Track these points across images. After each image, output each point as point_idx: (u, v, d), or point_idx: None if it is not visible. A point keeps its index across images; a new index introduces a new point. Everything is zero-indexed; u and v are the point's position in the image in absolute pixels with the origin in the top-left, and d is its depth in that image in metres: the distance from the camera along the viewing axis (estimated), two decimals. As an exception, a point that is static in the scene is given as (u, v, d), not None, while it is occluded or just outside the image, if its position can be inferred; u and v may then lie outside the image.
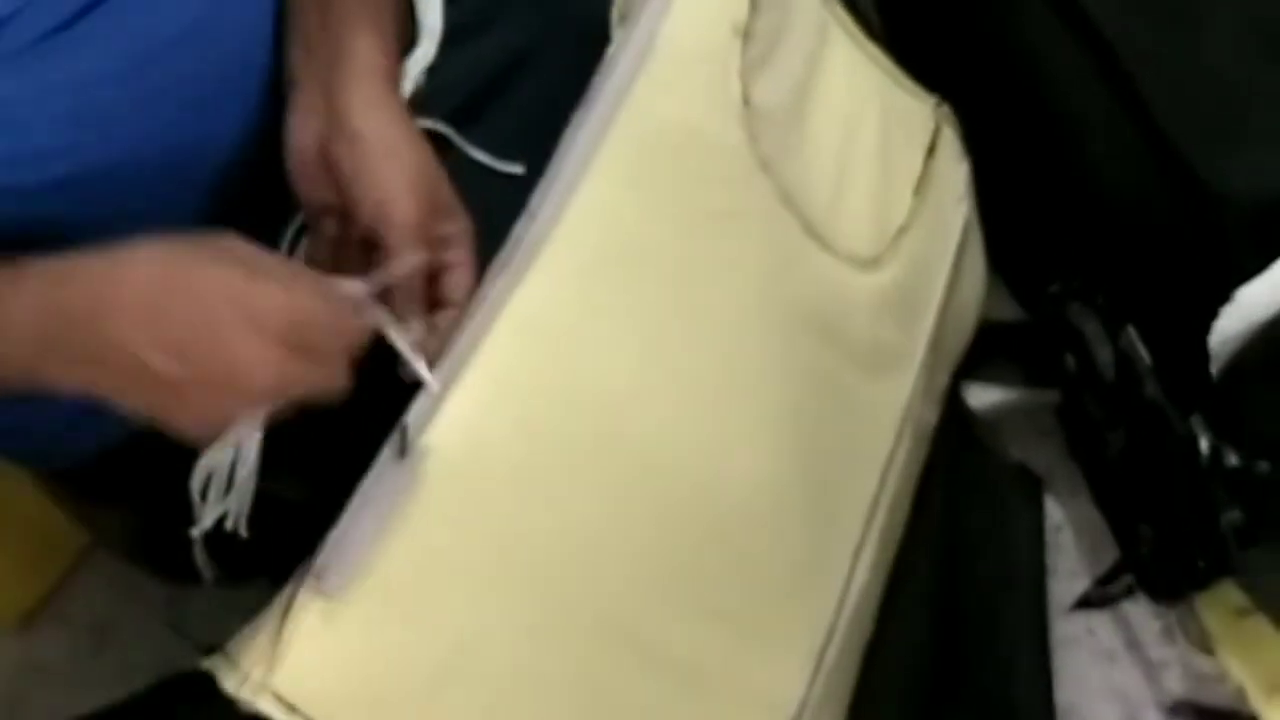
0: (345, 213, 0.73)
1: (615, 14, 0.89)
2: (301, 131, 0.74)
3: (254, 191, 0.81)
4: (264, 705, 0.66)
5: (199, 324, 0.63)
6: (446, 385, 0.71)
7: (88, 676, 1.18)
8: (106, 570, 1.21)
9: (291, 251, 0.84)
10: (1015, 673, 1.07)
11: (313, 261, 0.78)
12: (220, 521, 0.77)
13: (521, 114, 0.91)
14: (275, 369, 0.64)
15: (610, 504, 0.77)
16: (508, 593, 0.73)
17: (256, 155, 0.79)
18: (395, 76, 0.77)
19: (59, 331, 0.63)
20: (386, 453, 0.69)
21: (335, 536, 0.68)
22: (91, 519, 1.09)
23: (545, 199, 0.77)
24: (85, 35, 0.67)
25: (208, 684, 0.67)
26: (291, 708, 0.66)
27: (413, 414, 0.70)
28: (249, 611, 0.70)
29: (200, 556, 0.78)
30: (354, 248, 0.75)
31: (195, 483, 0.79)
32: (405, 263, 0.71)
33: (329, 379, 0.68)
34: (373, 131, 0.73)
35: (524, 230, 0.76)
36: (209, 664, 0.67)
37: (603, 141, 0.79)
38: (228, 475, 0.78)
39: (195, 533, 0.76)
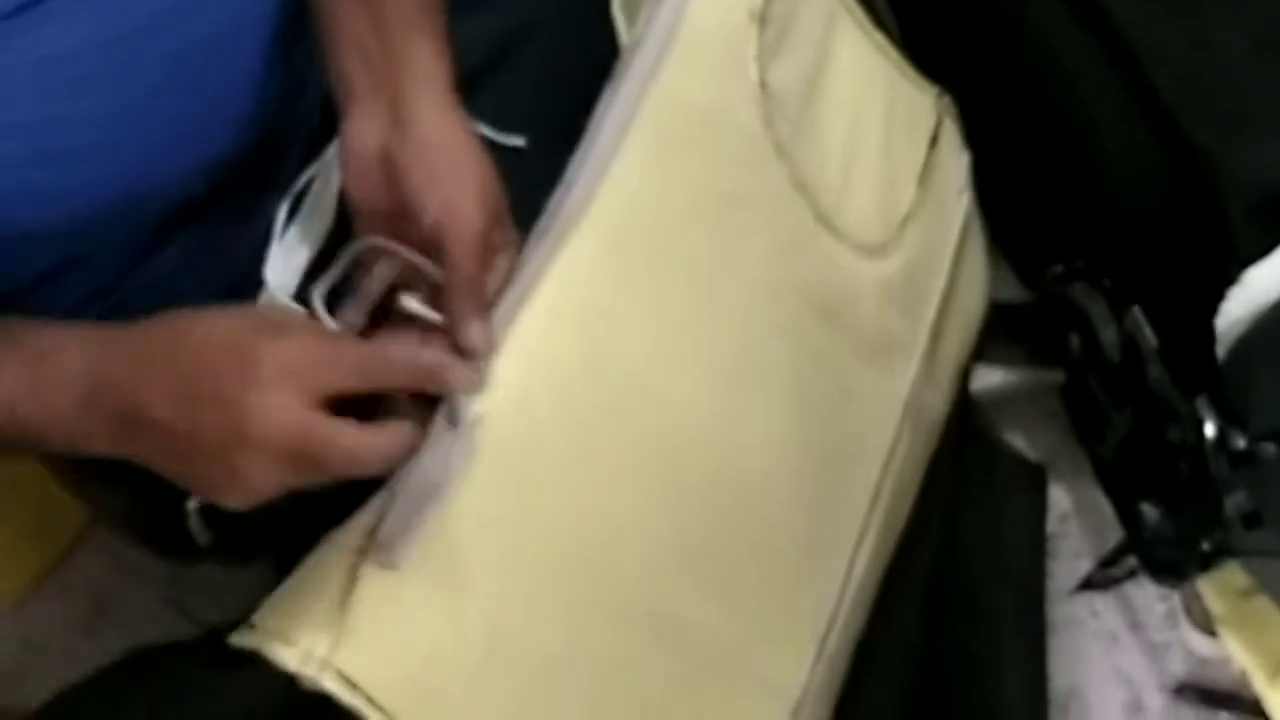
0: (401, 217, 0.73)
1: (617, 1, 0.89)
2: (362, 138, 0.74)
3: (237, 167, 0.81)
4: (328, 683, 0.64)
5: (197, 376, 0.63)
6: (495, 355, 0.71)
7: (88, 653, 1.18)
8: (106, 547, 1.21)
9: (286, 227, 0.84)
10: (1001, 664, 1.07)
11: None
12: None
13: (522, 87, 0.90)
14: (270, 423, 0.62)
15: (635, 482, 0.77)
16: (543, 569, 0.72)
17: (238, 134, 0.79)
18: (456, 82, 0.76)
19: (102, 393, 0.64)
20: (440, 423, 0.68)
21: (399, 507, 0.67)
22: (92, 495, 1.09)
23: (578, 176, 0.77)
24: (56, 11, 0.66)
25: (229, 656, 0.65)
26: (353, 685, 0.64)
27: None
28: (249, 588, 0.69)
29: (195, 524, 0.77)
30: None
31: None
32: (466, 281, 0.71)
33: (341, 452, 0.65)
34: (442, 140, 0.73)
35: (560, 202, 0.76)
36: (253, 642, 0.65)
37: (632, 121, 0.79)
38: None
39: (191, 504, 0.76)
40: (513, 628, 0.71)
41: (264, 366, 0.63)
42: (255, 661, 0.64)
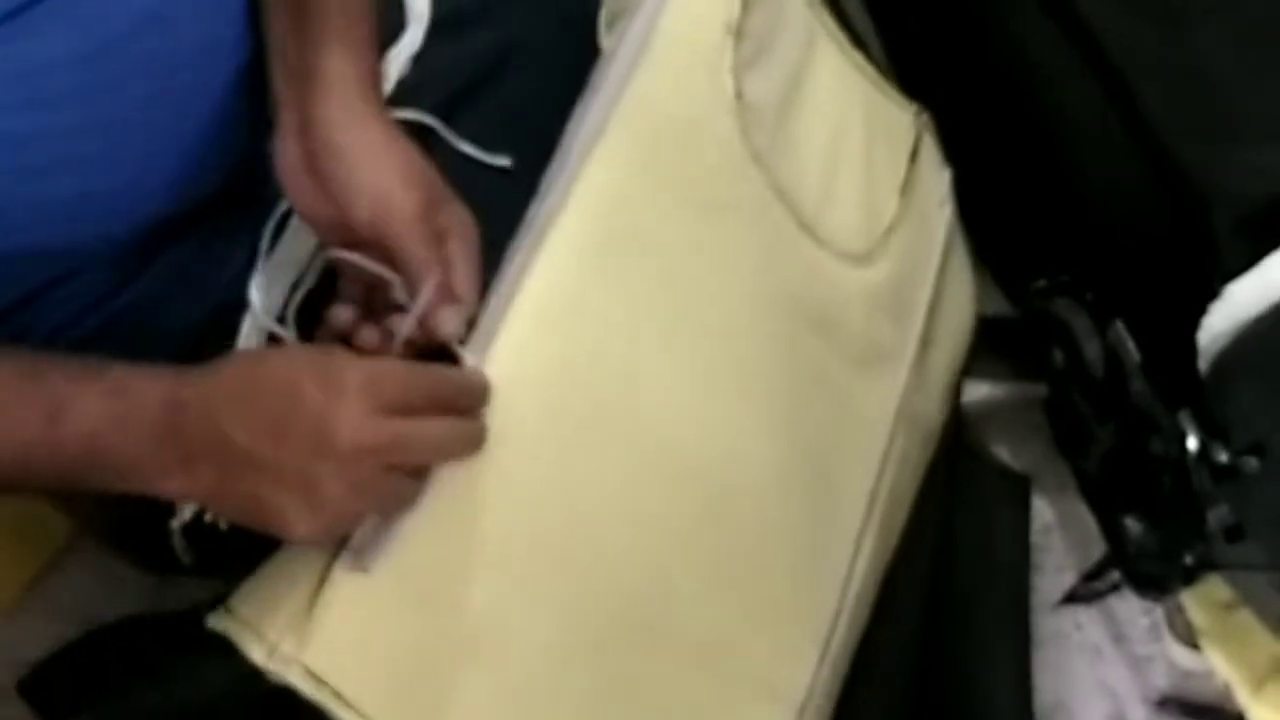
0: (346, 223, 0.73)
1: (604, 15, 0.89)
2: (287, 153, 0.75)
3: (223, 184, 0.81)
4: (293, 678, 0.65)
5: (283, 397, 0.64)
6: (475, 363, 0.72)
7: (71, 668, 1.17)
8: (90, 561, 1.20)
9: (273, 246, 0.84)
10: (991, 668, 1.08)
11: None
12: (202, 513, 0.77)
13: (507, 107, 0.91)
14: (361, 429, 0.64)
15: (625, 483, 0.77)
16: (529, 571, 0.73)
17: (223, 149, 0.79)
18: (370, 85, 0.77)
19: (180, 426, 0.64)
20: None
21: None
22: (77, 509, 1.08)
23: (554, 183, 0.78)
24: (36, 22, 0.66)
25: (205, 638, 0.66)
26: (320, 681, 0.66)
27: None
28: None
29: (179, 544, 0.78)
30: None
31: None
32: (430, 283, 0.71)
33: (429, 441, 0.68)
34: (353, 139, 0.73)
35: (535, 213, 0.77)
36: (227, 627, 0.66)
37: (606, 129, 0.80)
38: None
39: (175, 524, 0.76)
40: (499, 628, 0.71)
41: (347, 380, 0.64)
42: (228, 646, 0.66)
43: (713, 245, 0.85)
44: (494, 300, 0.74)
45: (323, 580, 0.67)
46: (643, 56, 0.83)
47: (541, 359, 0.75)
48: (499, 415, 0.71)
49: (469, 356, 0.71)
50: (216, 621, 0.67)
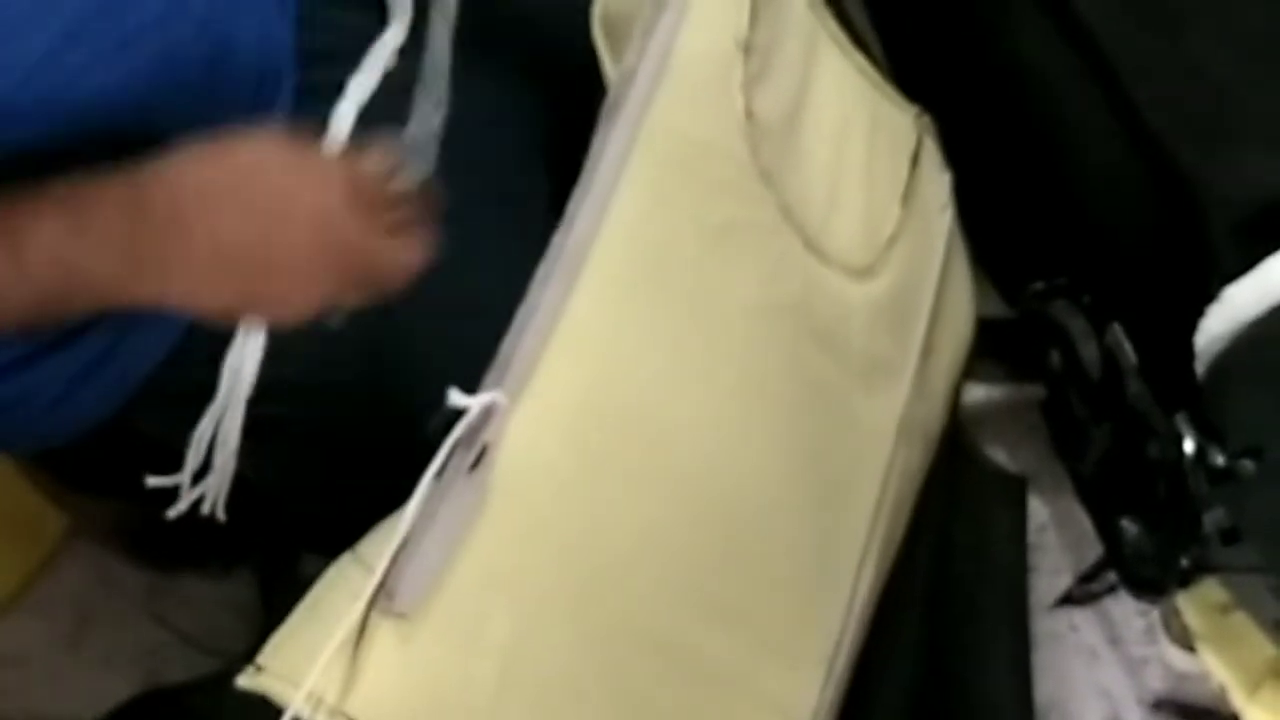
0: None
1: (598, 12, 0.88)
2: None
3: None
4: None
5: (249, 178, 0.65)
6: (513, 399, 0.71)
7: (67, 666, 1.17)
8: (86, 559, 1.20)
9: None
10: (991, 671, 1.08)
11: None
12: (198, 504, 0.77)
13: (496, 81, 0.90)
14: (337, 210, 0.66)
15: (643, 515, 0.77)
16: (553, 604, 0.73)
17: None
18: None
19: (142, 227, 0.64)
20: (452, 467, 0.68)
21: (407, 553, 0.66)
22: (73, 504, 1.09)
23: (580, 211, 0.76)
24: None
25: (234, 697, 0.65)
26: None
27: (490, 429, 0.69)
28: (229, 600, 0.68)
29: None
30: None
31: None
32: None
33: (391, 235, 0.69)
34: None
35: (563, 240, 0.76)
36: (259, 684, 0.65)
37: (631, 156, 0.79)
38: (204, 457, 0.77)
39: (171, 514, 0.76)
40: (524, 662, 0.71)
41: (309, 153, 0.68)
42: (261, 703, 0.65)
43: (723, 268, 0.84)
44: (526, 335, 0.73)
45: (362, 627, 0.65)
46: (662, 78, 0.82)
47: (572, 396, 0.75)
48: (530, 452, 0.71)
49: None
50: (247, 680, 0.65)
